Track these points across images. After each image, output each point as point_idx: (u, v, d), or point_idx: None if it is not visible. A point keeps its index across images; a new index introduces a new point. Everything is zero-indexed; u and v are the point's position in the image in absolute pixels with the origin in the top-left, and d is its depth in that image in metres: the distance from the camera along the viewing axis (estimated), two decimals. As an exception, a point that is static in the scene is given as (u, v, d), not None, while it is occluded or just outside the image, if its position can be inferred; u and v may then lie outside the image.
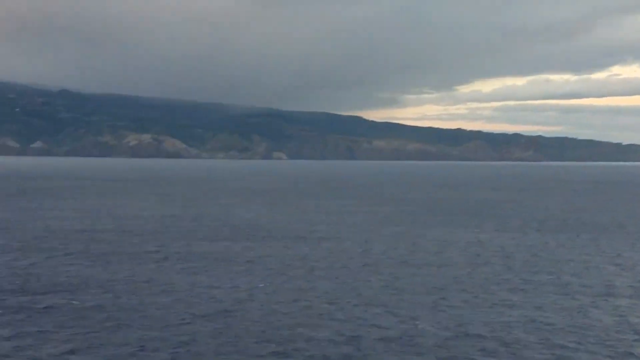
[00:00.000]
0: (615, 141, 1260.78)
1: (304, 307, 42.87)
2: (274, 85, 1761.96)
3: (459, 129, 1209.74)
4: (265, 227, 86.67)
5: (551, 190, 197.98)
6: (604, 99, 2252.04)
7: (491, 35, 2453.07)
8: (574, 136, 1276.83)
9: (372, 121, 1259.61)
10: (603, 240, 77.23)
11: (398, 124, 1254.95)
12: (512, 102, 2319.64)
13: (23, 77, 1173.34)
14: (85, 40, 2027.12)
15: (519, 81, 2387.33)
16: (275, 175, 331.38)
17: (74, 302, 43.38)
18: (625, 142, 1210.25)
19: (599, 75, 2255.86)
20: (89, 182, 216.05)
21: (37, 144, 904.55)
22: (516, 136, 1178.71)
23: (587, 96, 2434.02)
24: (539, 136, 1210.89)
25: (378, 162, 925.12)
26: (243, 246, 69.33)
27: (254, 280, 51.45)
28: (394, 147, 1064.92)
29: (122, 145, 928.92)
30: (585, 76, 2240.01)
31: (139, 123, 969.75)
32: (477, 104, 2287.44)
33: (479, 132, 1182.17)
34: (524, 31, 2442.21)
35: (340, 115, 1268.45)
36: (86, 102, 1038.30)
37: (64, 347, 34.69)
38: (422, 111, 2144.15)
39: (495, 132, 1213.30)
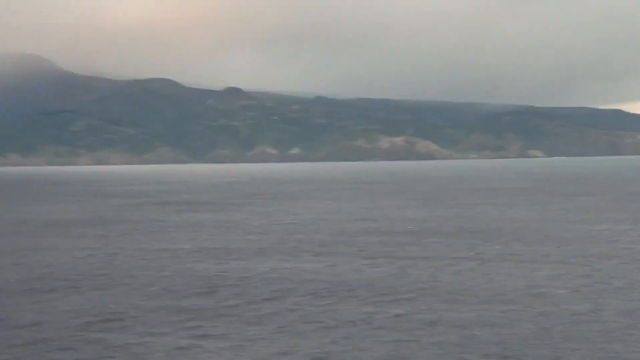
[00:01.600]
0: None
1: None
2: (528, 81, 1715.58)
3: None
4: (542, 230, 74.37)
5: None
6: None
7: None
8: None
9: (635, 114, 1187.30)
10: None
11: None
12: None
13: (280, 86, 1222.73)
14: (336, 47, 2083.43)
15: None
16: (539, 173, 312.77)
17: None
18: None
19: None
20: (347, 185, 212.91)
21: (295, 150, 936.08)
22: None
23: None
24: None
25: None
26: (532, 249, 57.17)
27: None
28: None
29: (376, 149, 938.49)
30: None
31: (392, 126, 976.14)
32: None
33: None
34: None
35: (599, 109, 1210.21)
36: (340, 107, 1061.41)
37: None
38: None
39: None
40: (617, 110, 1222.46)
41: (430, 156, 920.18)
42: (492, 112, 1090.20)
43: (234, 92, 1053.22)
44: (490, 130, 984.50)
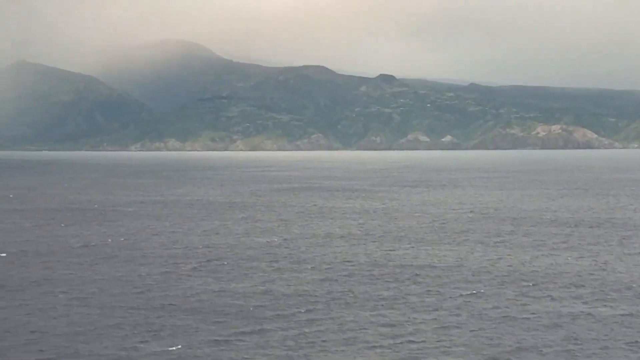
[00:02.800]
0: None
1: None
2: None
3: None
4: None
5: None
6: None
7: None
8: None
9: None
10: None
11: None
12: None
13: (433, 73, 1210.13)
14: (491, 33, 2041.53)
15: None
16: None
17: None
18: None
19: None
20: (507, 174, 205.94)
21: (447, 138, 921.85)
22: None
23: None
24: None
25: None
26: None
27: None
28: None
29: (531, 137, 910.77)
30: None
31: (548, 114, 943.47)
32: None
33: None
34: None
35: None
36: (494, 94, 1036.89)
37: None
38: None
39: None
40: None
41: (587, 145, 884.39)
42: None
43: (386, 79, 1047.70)
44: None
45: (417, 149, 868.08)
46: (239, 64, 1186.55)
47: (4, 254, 59.00)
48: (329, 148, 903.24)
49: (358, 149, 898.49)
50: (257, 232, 72.81)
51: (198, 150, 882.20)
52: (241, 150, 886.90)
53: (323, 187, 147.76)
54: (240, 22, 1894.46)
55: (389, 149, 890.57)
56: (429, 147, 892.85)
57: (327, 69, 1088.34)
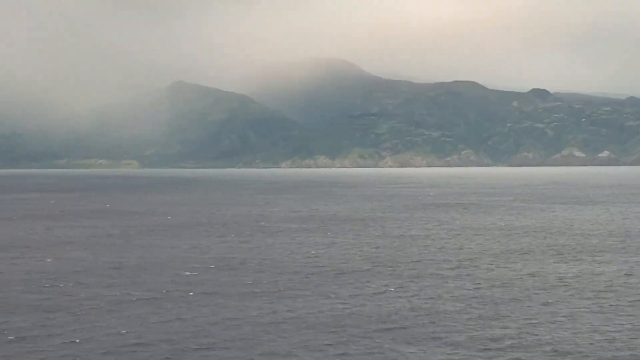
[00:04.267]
0: None
1: None
2: None
3: None
4: None
5: None
6: None
7: None
8: None
9: None
10: None
11: None
12: None
13: (588, 87, 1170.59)
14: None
15: None
16: None
17: None
18: None
19: None
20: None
21: (604, 154, 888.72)
22: None
23: None
24: None
25: None
26: None
27: None
28: None
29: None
30: None
31: None
32: None
33: None
34: None
35: None
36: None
37: None
38: None
39: None
40: None
41: None
42: None
43: (539, 94, 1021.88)
44: None
45: (571, 165, 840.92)
46: (388, 81, 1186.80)
47: (212, 266, 59.29)
48: (479, 164, 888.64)
49: (509, 165, 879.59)
50: (433, 249, 70.47)
51: (347, 167, 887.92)
52: (390, 166, 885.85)
53: (482, 203, 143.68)
54: (389, 39, 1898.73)
55: (542, 165, 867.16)
56: (584, 163, 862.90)
57: (477, 84, 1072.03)
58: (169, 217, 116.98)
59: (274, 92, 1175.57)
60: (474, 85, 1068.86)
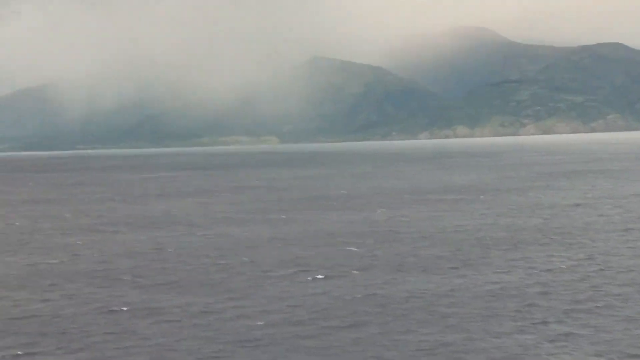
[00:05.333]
0: None
1: None
2: None
3: None
4: None
5: None
6: None
7: None
8: None
9: None
10: None
11: None
12: None
13: None
14: None
15: None
16: None
17: None
18: None
19: None
20: None
21: None
22: None
23: None
24: None
25: None
26: None
27: None
28: None
29: None
30: None
31: None
32: None
33: None
34: None
35: None
36: None
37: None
38: None
39: None
40: None
41: None
42: None
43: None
44: None
45: None
46: (529, 46, 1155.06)
47: (371, 240, 56.59)
48: (627, 129, 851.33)
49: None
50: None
51: (487, 137, 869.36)
52: (532, 134, 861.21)
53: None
54: (529, 3, 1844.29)
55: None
56: None
57: (624, 45, 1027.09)
58: (343, 191, 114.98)
59: (410, 63, 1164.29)
60: (619, 46, 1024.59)
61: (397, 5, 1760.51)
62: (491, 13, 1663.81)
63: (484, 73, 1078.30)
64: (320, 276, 44.78)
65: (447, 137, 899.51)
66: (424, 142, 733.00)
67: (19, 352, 31.18)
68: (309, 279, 44.31)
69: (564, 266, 45.66)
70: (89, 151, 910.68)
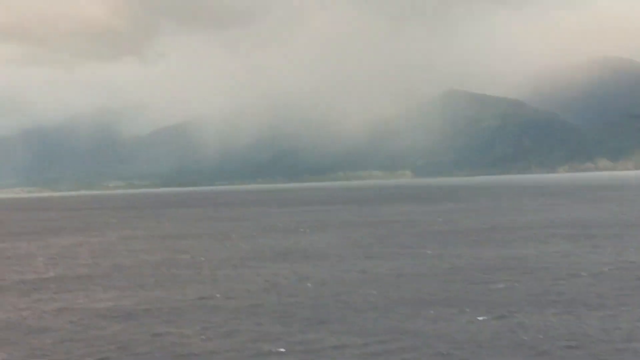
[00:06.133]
0: None
1: None
2: None
3: None
4: None
5: None
6: None
7: None
8: None
9: None
10: None
11: None
12: None
13: None
14: None
15: None
16: None
17: None
18: None
19: None
20: None
21: None
22: None
23: None
24: None
25: None
26: None
27: None
28: None
29: None
30: None
31: None
32: None
33: None
34: None
35: None
36: None
37: None
38: None
39: None
40: None
41: None
42: None
43: None
44: None
45: None
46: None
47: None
48: None
49: None
50: None
51: (631, 170, 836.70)
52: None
53: None
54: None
55: None
56: None
57: None
58: (486, 225, 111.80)
59: (548, 95, 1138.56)
60: None
61: (533, 37, 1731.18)
62: (633, 43, 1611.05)
63: (626, 104, 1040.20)
64: (481, 317, 42.10)
65: (587, 170, 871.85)
66: (564, 176, 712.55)
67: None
68: (469, 317, 41.80)
69: None
70: (226, 187, 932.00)
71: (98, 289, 57.04)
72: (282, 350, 35.98)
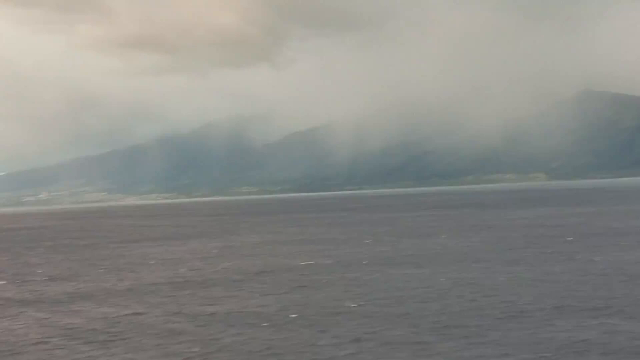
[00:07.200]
0: None
1: None
2: None
3: None
4: None
5: None
6: None
7: None
8: None
9: None
10: None
11: None
12: None
13: None
14: None
15: None
16: None
17: None
18: None
19: None
20: None
21: None
22: None
23: None
24: None
25: None
26: None
27: None
28: None
29: None
30: None
31: None
32: None
33: None
34: None
35: None
36: None
37: None
38: None
39: None
40: None
41: None
42: None
43: None
44: None
45: None
46: None
47: None
48: None
49: None
50: None
51: None
52: None
53: None
54: None
55: None
56: None
57: None
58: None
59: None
60: None
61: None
62: None
63: None
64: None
65: None
66: None
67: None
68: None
69: None
70: (357, 191, 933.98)
71: (244, 294, 57.03)
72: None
